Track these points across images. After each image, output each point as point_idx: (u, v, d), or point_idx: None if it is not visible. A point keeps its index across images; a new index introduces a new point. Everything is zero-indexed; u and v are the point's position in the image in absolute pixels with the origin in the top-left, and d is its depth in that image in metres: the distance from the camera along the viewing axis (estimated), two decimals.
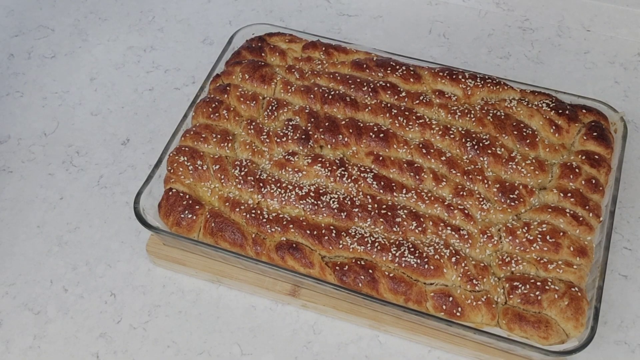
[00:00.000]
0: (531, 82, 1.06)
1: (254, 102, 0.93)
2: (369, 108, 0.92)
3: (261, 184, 0.85)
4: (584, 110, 0.93)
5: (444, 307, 0.77)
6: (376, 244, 0.80)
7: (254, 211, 0.83)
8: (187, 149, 0.88)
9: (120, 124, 1.03)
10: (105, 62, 1.11)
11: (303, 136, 0.89)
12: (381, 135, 0.88)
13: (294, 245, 0.80)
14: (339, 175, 0.85)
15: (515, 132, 0.89)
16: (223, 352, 0.81)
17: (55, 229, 0.92)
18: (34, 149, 1.00)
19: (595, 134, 0.89)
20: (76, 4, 1.21)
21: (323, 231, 0.81)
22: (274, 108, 0.92)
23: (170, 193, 0.85)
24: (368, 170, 0.86)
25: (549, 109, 0.92)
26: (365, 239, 0.81)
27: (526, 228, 0.82)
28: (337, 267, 0.79)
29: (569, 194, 0.84)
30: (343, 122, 0.90)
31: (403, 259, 0.79)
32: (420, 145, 0.88)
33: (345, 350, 0.82)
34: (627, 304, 0.85)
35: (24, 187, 0.96)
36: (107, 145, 1.01)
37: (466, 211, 0.83)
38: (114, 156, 0.99)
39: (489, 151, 0.87)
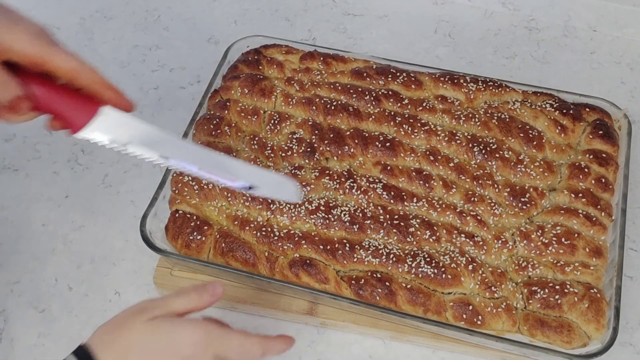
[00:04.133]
0: (537, 82, 1.06)
1: (255, 116, 0.92)
2: (373, 117, 0.91)
3: (270, 201, 0.84)
4: (587, 109, 0.92)
5: (464, 316, 0.76)
6: (391, 256, 0.79)
7: (264, 229, 0.82)
8: None
9: None
10: (110, 60, 1.11)
11: (308, 149, 0.88)
12: (387, 144, 0.88)
13: (308, 261, 0.79)
14: (347, 187, 0.84)
15: (522, 135, 0.89)
16: None
17: (60, 227, 0.92)
18: (39, 147, 1.00)
19: (600, 132, 0.89)
20: (82, 2, 1.21)
21: (336, 245, 0.80)
22: (276, 121, 0.91)
23: (177, 215, 0.83)
24: (377, 180, 0.85)
25: (552, 109, 0.91)
26: (380, 251, 0.80)
27: (540, 231, 0.81)
28: (353, 282, 0.78)
29: (580, 194, 0.84)
30: (348, 133, 0.89)
31: (420, 269, 0.78)
32: (427, 153, 0.88)
33: (349, 350, 0.82)
34: (632, 305, 0.85)
35: (29, 185, 0.96)
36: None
37: (479, 217, 0.82)
38: (119, 155, 0.98)
39: (497, 155, 0.87)
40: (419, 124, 0.90)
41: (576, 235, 0.81)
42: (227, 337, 0.63)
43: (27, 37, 0.51)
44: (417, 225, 0.81)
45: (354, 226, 0.82)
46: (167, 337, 0.61)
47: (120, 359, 0.60)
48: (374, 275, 0.79)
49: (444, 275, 0.78)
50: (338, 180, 0.85)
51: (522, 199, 0.84)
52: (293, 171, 0.86)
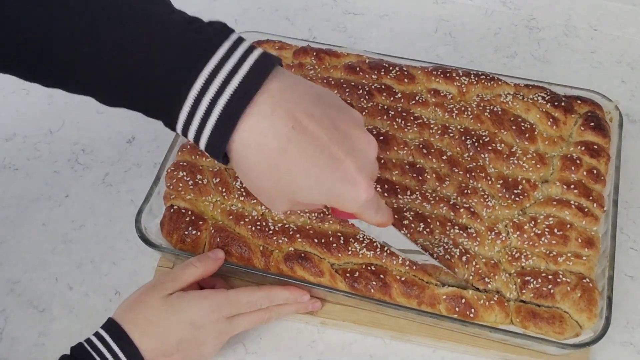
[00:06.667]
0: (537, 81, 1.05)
1: None
2: (366, 111, 0.91)
3: None
4: (578, 101, 0.93)
5: (457, 309, 0.77)
6: (385, 248, 0.79)
7: (259, 223, 0.82)
8: (185, 163, 0.87)
9: (126, 122, 1.03)
10: None
11: None
12: (380, 137, 0.88)
13: (302, 254, 0.80)
14: None
15: (514, 127, 0.89)
16: (227, 350, 0.81)
17: (61, 227, 0.92)
18: (40, 146, 1.00)
19: (592, 124, 0.89)
20: None
21: (331, 238, 0.80)
22: None
23: (172, 210, 0.84)
24: None
25: (544, 102, 0.92)
26: (374, 244, 0.80)
27: (533, 222, 0.81)
28: (347, 275, 0.79)
29: (572, 186, 0.84)
30: None
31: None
32: (421, 146, 0.88)
33: (350, 350, 0.82)
34: (633, 304, 0.85)
35: (30, 184, 0.96)
36: (113, 143, 1.01)
37: (472, 209, 0.83)
38: (119, 154, 0.99)
39: (490, 147, 0.87)
40: (411, 118, 0.90)
41: (568, 226, 0.81)
42: (232, 298, 0.75)
43: (354, 204, 0.58)
44: (410, 218, 0.81)
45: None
46: (179, 311, 0.72)
47: (144, 332, 0.71)
48: (369, 268, 0.79)
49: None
50: None
51: (515, 191, 0.84)
52: None
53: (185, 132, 0.55)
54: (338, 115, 0.57)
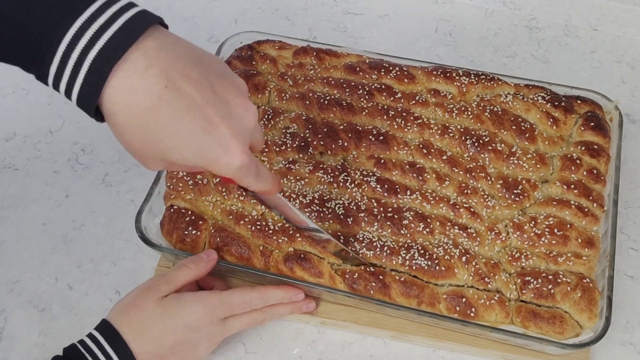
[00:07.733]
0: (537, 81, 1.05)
1: None
2: (366, 111, 0.91)
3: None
4: (578, 101, 0.93)
5: (458, 308, 0.77)
6: (385, 248, 0.79)
7: (259, 223, 0.82)
8: None
9: None
10: None
11: (302, 144, 0.88)
12: (380, 137, 0.88)
13: (302, 255, 0.79)
14: (341, 180, 0.84)
15: (514, 127, 0.89)
16: (227, 350, 0.81)
17: (61, 227, 0.92)
18: (40, 146, 1.00)
19: (592, 124, 0.89)
20: None
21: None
22: (269, 117, 0.91)
23: (172, 210, 0.84)
24: (370, 174, 0.85)
25: (544, 102, 0.92)
26: (374, 244, 0.80)
27: (533, 222, 0.81)
28: (347, 275, 0.79)
29: (572, 186, 0.84)
30: (341, 127, 0.89)
31: (413, 261, 0.78)
32: (421, 146, 0.88)
33: (350, 350, 0.82)
34: (633, 304, 0.85)
35: (30, 184, 0.96)
36: (113, 143, 1.01)
37: (472, 209, 0.83)
38: (119, 154, 0.99)
39: (490, 147, 0.87)
40: (411, 118, 0.90)
41: (568, 226, 0.81)
42: (227, 299, 0.75)
43: (228, 169, 0.58)
44: (410, 218, 0.81)
45: (348, 219, 0.82)
46: (175, 314, 0.72)
47: (139, 335, 0.71)
48: (368, 268, 0.79)
49: (437, 267, 0.78)
50: (332, 174, 0.85)
51: (515, 191, 0.84)
52: (287, 166, 0.86)
53: (56, 86, 0.54)
54: (218, 80, 0.56)
